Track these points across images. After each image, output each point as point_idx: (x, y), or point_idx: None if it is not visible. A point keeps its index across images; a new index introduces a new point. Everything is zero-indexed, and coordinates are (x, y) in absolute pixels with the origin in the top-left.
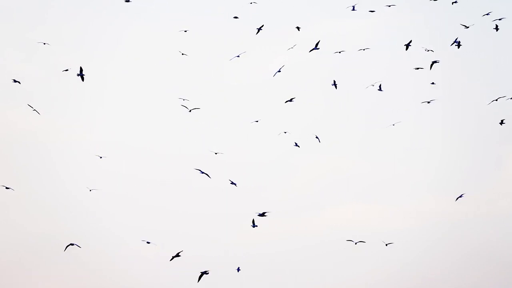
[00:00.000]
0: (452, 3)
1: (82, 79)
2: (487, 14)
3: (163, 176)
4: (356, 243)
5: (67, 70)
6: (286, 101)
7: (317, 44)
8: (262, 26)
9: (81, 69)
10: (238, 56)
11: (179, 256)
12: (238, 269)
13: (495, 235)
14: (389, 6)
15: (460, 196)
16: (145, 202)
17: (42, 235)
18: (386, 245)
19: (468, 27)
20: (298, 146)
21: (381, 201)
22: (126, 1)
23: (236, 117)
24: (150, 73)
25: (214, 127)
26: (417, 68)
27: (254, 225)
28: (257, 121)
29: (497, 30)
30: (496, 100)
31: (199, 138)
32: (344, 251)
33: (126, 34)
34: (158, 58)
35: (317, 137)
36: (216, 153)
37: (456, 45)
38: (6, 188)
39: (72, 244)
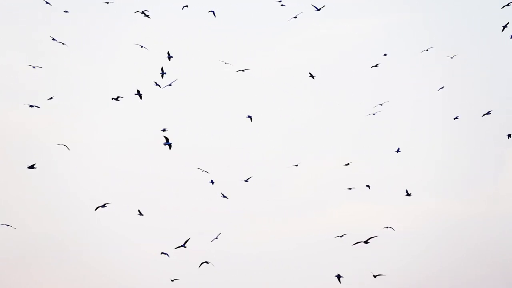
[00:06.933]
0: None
1: (170, 147)
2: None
3: (165, 175)
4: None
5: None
6: (311, 74)
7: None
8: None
9: (166, 139)
10: (295, 17)
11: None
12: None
13: (495, 235)
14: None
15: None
16: (146, 202)
17: (43, 234)
18: (375, 276)
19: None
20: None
21: (381, 201)
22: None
23: (235, 114)
24: (151, 73)
25: (216, 124)
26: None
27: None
28: (250, 116)
29: (502, 30)
30: (488, 113)
31: (201, 137)
32: (344, 251)
33: (128, 34)
34: (158, 58)
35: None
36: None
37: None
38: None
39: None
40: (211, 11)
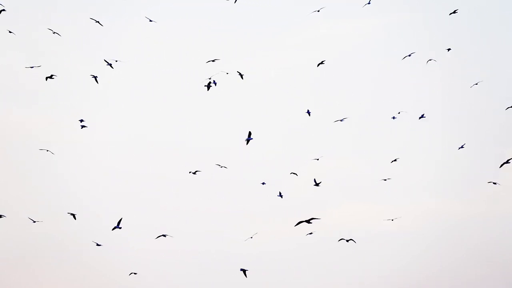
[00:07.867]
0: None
1: (247, 142)
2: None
3: (165, 175)
4: (347, 241)
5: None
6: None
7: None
8: None
9: (249, 134)
10: (318, 11)
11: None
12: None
13: (495, 235)
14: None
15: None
16: (147, 202)
17: (43, 234)
18: (347, 241)
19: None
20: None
21: (381, 201)
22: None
23: (235, 114)
24: (151, 73)
25: (216, 124)
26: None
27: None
28: (308, 111)
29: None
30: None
31: (201, 137)
32: (344, 250)
33: (128, 34)
34: (159, 58)
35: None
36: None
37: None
38: None
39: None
40: (150, 20)
